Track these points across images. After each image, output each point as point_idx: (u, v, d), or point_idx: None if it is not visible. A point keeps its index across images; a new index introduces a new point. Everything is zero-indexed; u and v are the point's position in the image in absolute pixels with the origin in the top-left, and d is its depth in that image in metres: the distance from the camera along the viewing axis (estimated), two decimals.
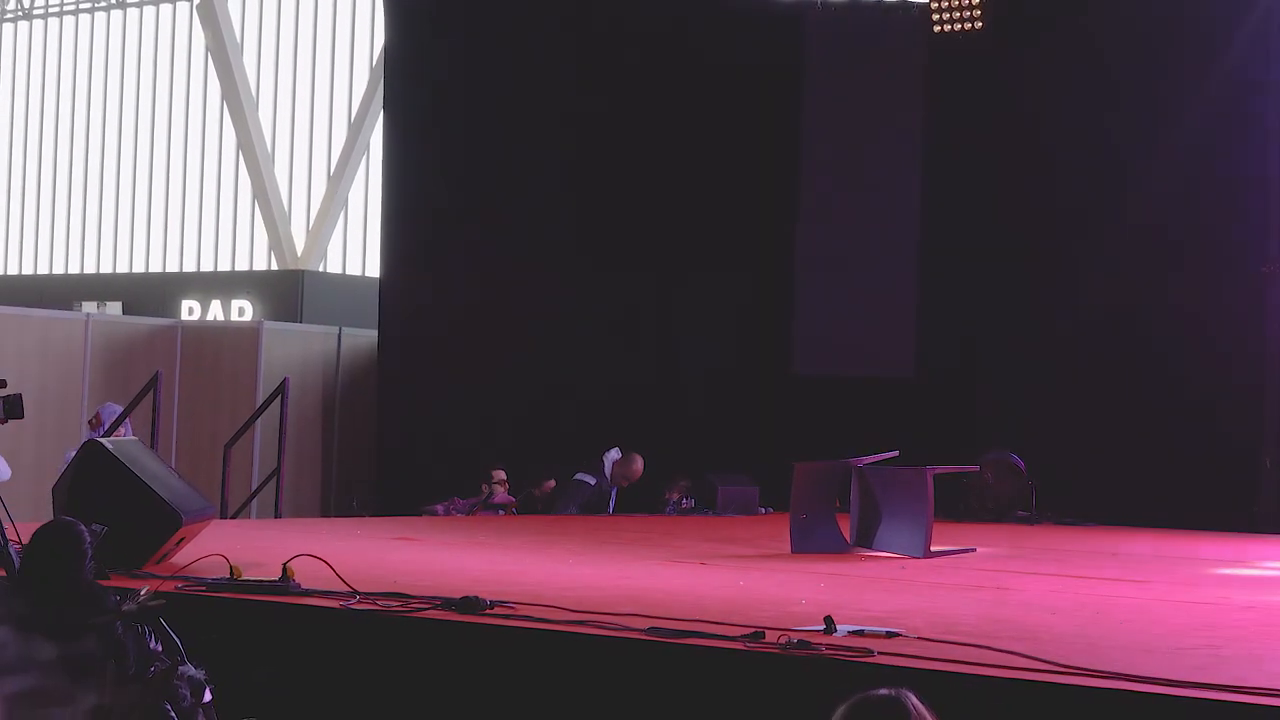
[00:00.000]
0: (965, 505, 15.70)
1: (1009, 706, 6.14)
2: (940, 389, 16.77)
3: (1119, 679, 6.14)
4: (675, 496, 16.30)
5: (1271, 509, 15.07)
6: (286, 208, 24.30)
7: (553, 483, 16.23)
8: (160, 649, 5.81)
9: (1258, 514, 15.08)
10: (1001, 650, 6.62)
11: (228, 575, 8.43)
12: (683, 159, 17.30)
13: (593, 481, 15.93)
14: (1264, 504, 15.18)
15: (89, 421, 14.58)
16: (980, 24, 16.92)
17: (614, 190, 17.45)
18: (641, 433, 16.55)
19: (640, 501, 16.24)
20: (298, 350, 18.16)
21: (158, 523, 9.35)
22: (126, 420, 14.05)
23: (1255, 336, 15.58)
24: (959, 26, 17.02)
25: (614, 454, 16.00)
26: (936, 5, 17.08)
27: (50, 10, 27.16)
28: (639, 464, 16.04)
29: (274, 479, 15.21)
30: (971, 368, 16.81)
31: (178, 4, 25.49)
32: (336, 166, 23.84)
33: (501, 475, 15.90)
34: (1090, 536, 14.23)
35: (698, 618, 7.34)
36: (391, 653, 7.41)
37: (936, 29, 17.11)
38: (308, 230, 24.01)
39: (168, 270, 25.13)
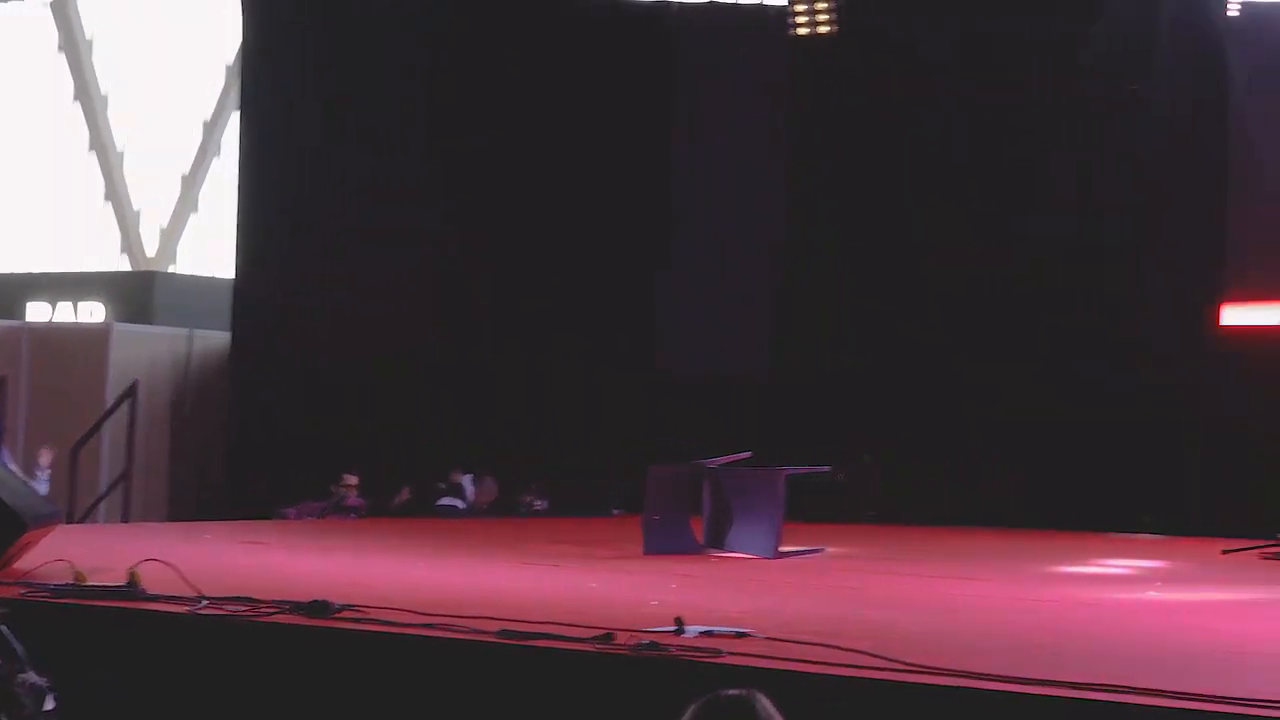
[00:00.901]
0: (818, 505, 15.79)
1: (856, 705, 6.20)
2: (795, 389, 16.89)
3: (963, 677, 6.22)
4: (528, 498, 16.32)
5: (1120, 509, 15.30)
6: (138, 208, 23.97)
7: (407, 492, 16.19)
8: None
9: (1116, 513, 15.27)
10: (848, 649, 6.67)
11: (72, 581, 8.30)
12: (544, 159, 17.27)
13: (462, 506, 16.02)
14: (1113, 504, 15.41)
15: None
16: (835, 27, 17.08)
17: (473, 191, 17.39)
18: (497, 434, 16.54)
19: (493, 503, 16.26)
20: (148, 352, 17.93)
21: (0, 528, 9.18)
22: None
23: (1097, 337, 15.83)
24: (815, 30, 17.17)
25: (469, 479, 16.11)
26: (792, 8, 17.22)
27: None
28: (495, 486, 16.23)
29: (123, 482, 15.01)
30: (827, 368, 16.92)
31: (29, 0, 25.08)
32: (191, 167, 23.57)
33: (353, 479, 15.81)
34: (940, 536, 14.40)
35: (549, 620, 7.33)
36: (239, 658, 7.34)
37: (793, 32, 17.26)
38: (161, 231, 23.70)
39: (15, 271, 24.69)
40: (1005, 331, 16.14)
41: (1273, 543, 12.98)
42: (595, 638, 6.85)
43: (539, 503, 16.33)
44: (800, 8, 17.24)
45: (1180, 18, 15.74)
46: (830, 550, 12.39)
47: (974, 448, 16.00)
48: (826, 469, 14.42)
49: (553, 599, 8.60)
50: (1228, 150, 15.59)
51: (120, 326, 18.37)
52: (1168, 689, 5.96)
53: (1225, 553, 12.90)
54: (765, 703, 4.15)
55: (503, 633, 7.00)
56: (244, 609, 7.64)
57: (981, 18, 16.23)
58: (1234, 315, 15.35)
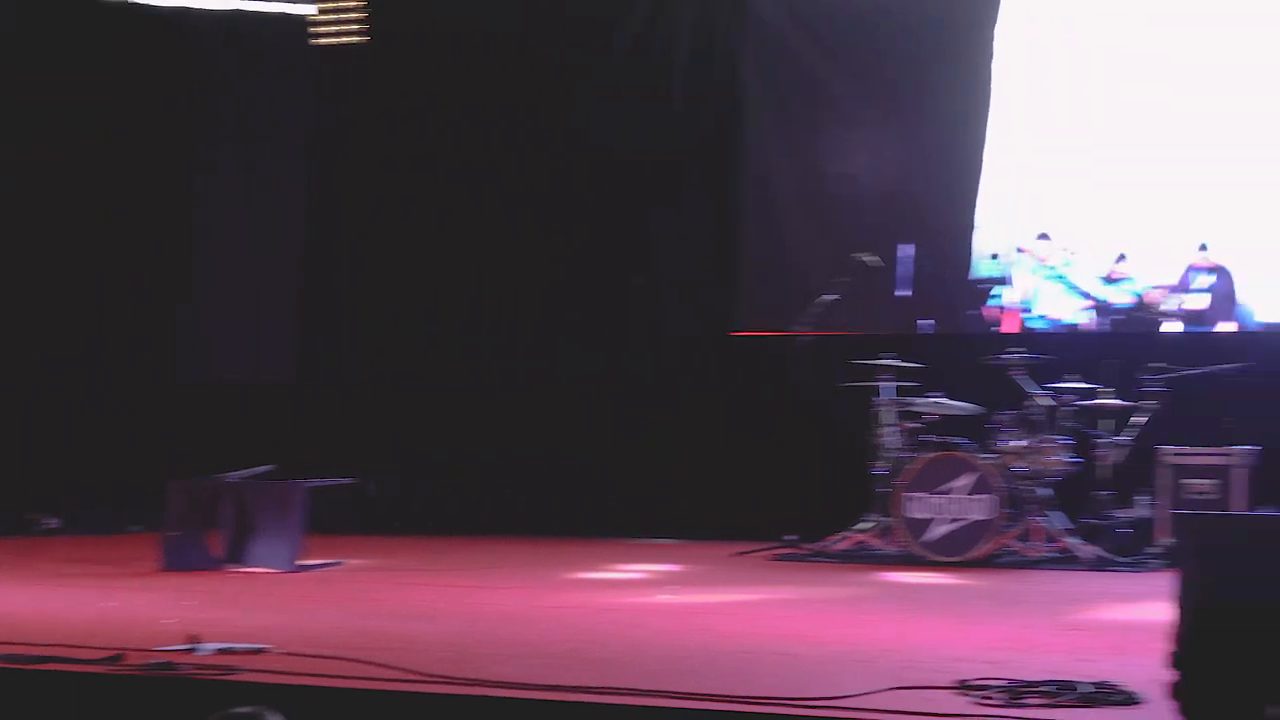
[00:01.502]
0: (342, 517, 15.68)
1: (375, 718, 6.21)
2: (321, 397, 16.76)
3: (483, 685, 6.31)
4: (37, 516, 15.77)
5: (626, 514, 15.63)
6: None
7: None
8: None
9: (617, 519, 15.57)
10: (367, 662, 6.69)
11: None
12: (54, 163, 16.64)
13: None
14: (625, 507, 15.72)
15: None
16: (365, 37, 17.03)
17: None
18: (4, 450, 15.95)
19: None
20: None
21: None
22: None
23: (617, 349, 16.16)
24: (342, 39, 17.09)
25: None
26: (317, 18, 17.10)
27: None
28: None
29: None
30: (355, 374, 16.84)
31: None
32: None
33: None
34: (464, 546, 14.49)
35: (58, 641, 7.14)
36: None
37: (317, 41, 17.14)
38: None
39: None
40: (533, 341, 16.32)
41: (780, 544, 13.53)
42: (105, 659, 6.69)
43: (51, 521, 15.78)
44: (326, 17, 17.14)
45: (700, 35, 16.18)
46: (352, 562, 12.39)
47: (499, 457, 16.14)
48: (351, 480, 14.40)
49: (63, 620, 8.35)
50: (740, 175, 16.12)
51: None
52: (678, 690, 6.16)
53: (738, 555, 13.38)
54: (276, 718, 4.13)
55: (8, 656, 6.77)
56: None
57: (512, 27, 16.39)
58: (745, 326, 15.87)
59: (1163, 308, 14.41)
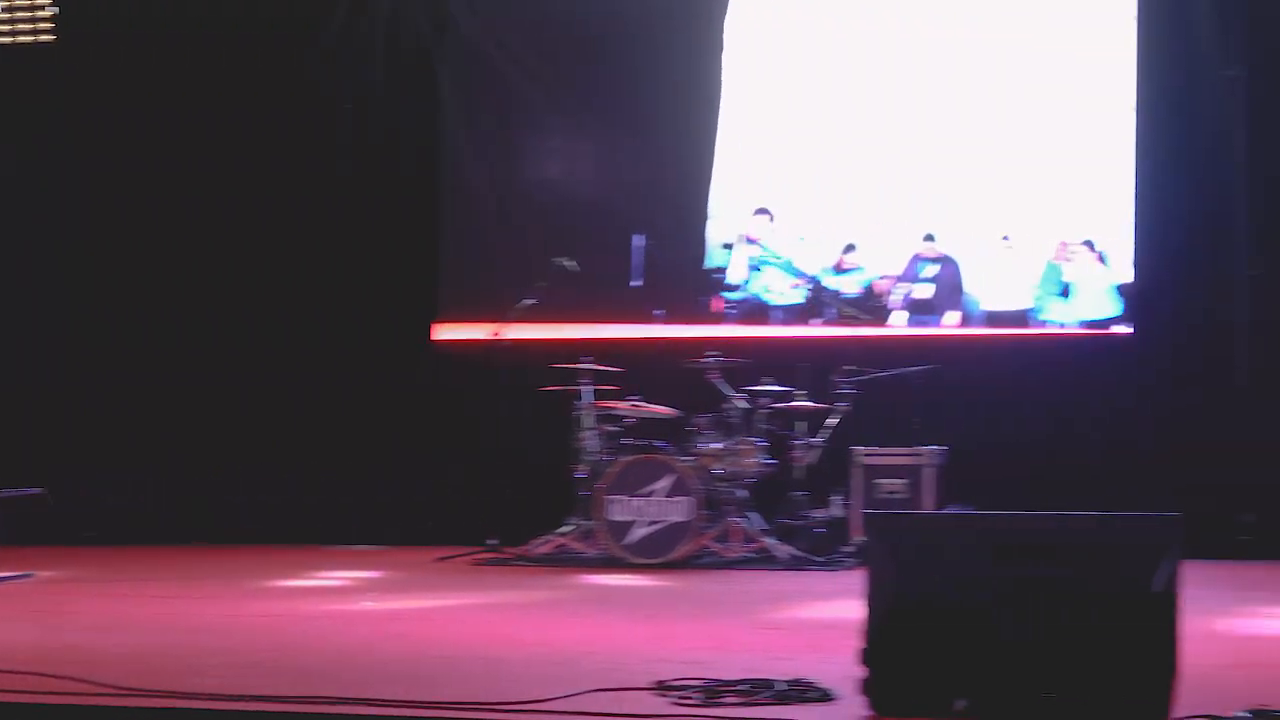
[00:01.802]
0: (30, 528, 15.26)
1: None
2: (7, 401, 16.30)
3: (180, 697, 6.21)
4: None
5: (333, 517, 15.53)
6: None
7: None
8: None
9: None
10: (59, 676, 6.54)
11: None
12: None
13: None
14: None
15: None
16: (52, 36, 16.62)
17: None
18: None
19: None
20: None
21: None
22: None
23: (318, 351, 16.00)
24: (25, 39, 16.67)
25: None
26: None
27: None
28: None
29: None
30: (41, 378, 16.39)
31: None
32: None
33: None
34: (160, 555, 14.24)
35: None
36: None
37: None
38: None
39: None
40: (232, 342, 16.07)
41: (482, 549, 13.56)
42: None
43: None
44: (7, 15, 16.69)
45: (396, 35, 16.12)
46: (43, 574, 12.07)
47: (193, 463, 15.87)
48: (39, 490, 14.00)
49: None
50: (439, 176, 16.10)
51: None
52: (380, 697, 6.14)
53: (440, 560, 13.36)
54: None
55: None
56: None
57: (207, 27, 16.17)
58: (445, 332, 15.85)
59: (890, 297, 14.77)
